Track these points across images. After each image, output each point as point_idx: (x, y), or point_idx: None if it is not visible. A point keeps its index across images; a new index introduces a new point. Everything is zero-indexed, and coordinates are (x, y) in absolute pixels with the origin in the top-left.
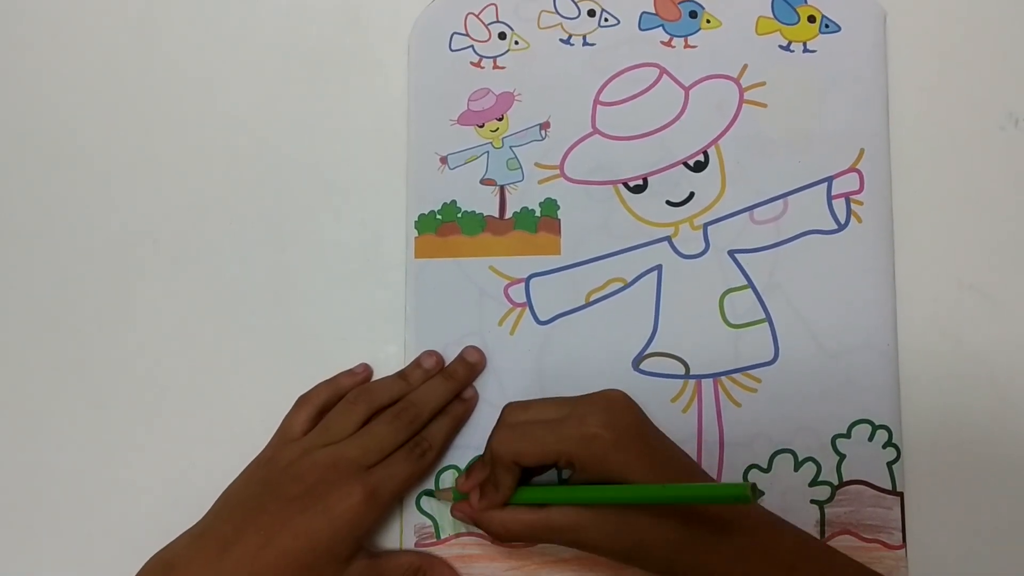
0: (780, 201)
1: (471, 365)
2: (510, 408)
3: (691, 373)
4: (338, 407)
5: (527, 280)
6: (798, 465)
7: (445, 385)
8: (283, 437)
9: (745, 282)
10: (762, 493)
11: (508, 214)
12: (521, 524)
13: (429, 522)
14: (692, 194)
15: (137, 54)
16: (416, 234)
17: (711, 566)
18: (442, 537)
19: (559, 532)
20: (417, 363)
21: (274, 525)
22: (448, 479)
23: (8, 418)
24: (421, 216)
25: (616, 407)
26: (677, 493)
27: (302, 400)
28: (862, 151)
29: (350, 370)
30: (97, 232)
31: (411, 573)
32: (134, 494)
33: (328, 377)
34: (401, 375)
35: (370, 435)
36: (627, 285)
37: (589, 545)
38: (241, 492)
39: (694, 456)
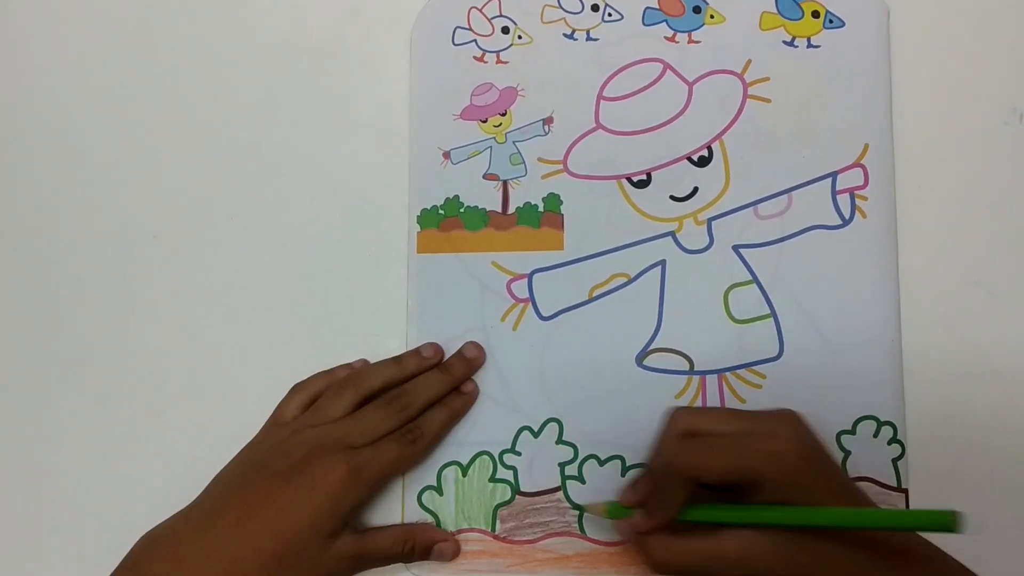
0: (784, 196)
1: (469, 361)
2: (678, 415)
3: (695, 369)
4: (328, 391)
5: (530, 275)
6: None
7: (440, 378)
8: (274, 421)
9: (749, 277)
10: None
11: (511, 209)
12: (690, 552)
13: (431, 518)
14: (696, 189)
15: (138, 51)
16: (418, 229)
17: None
18: None
19: (732, 562)
20: (416, 351)
21: (258, 498)
22: (449, 476)
23: (9, 412)
24: (424, 211)
25: (802, 425)
26: (875, 518)
27: (296, 388)
28: (866, 146)
29: (347, 364)
30: (99, 227)
31: (400, 544)
32: (135, 487)
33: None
34: (396, 359)
35: (359, 418)
36: (630, 280)
37: (763, 574)
38: (230, 472)
39: None
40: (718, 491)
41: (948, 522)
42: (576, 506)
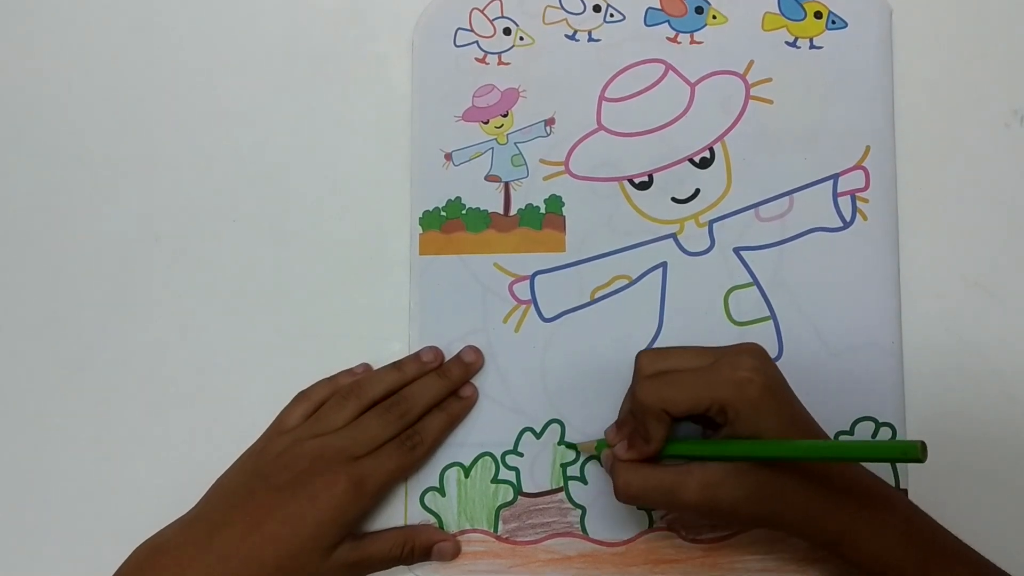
0: (786, 198)
1: (467, 365)
2: (647, 357)
3: None
4: (331, 401)
5: (532, 277)
6: None
7: (438, 382)
8: (276, 429)
9: (750, 279)
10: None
11: (513, 211)
12: (657, 481)
13: (433, 519)
14: (697, 191)
15: (141, 52)
16: (420, 231)
17: (845, 533)
18: None
19: (695, 490)
20: (416, 356)
21: (261, 511)
22: (451, 477)
23: (12, 414)
24: (425, 213)
25: (762, 355)
26: (843, 449)
27: (300, 396)
28: (868, 148)
29: (350, 370)
30: (101, 229)
31: (399, 547)
32: (137, 490)
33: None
34: (396, 366)
35: (360, 427)
36: (632, 282)
37: (724, 502)
38: (232, 481)
39: None
40: (700, 425)
41: (911, 451)
42: (570, 445)
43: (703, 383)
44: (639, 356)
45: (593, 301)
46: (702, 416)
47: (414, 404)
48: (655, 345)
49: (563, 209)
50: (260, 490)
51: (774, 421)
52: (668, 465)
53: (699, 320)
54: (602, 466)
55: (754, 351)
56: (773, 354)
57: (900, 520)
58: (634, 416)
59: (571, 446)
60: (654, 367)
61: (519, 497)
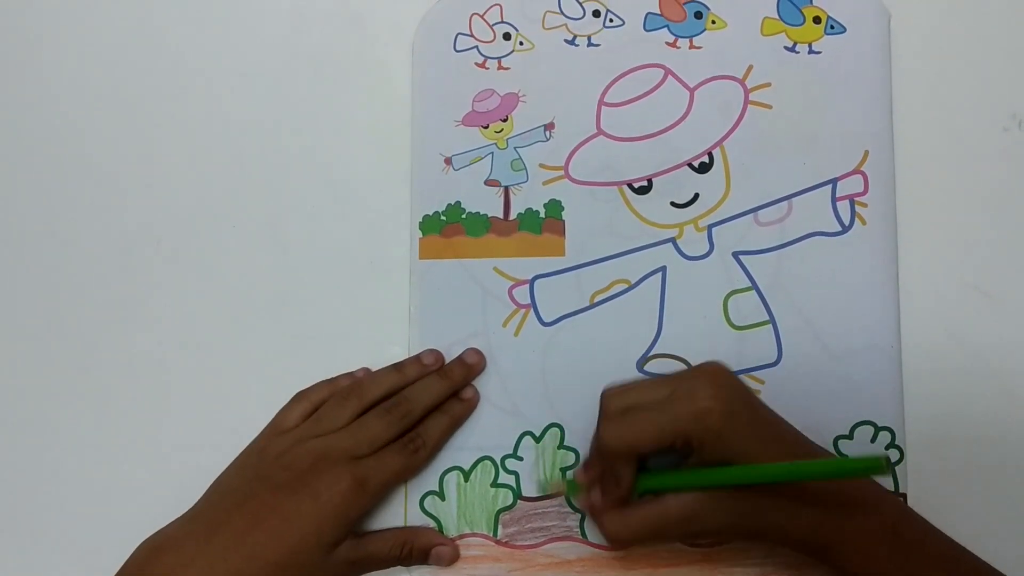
0: (785, 203)
1: (469, 366)
2: (609, 396)
3: None
4: (331, 401)
5: (531, 281)
6: None
7: (440, 383)
8: (275, 428)
9: (749, 284)
10: (894, 465)
11: (512, 215)
12: (639, 521)
13: (432, 522)
14: (697, 195)
15: (142, 56)
16: (420, 235)
17: (831, 545)
18: None
19: (678, 523)
20: (416, 358)
21: (263, 509)
22: (451, 481)
23: (13, 415)
24: (425, 217)
25: (720, 379)
26: (809, 470)
27: (299, 396)
28: (866, 153)
29: (350, 373)
30: (102, 232)
31: (399, 548)
32: (136, 493)
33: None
34: (397, 367)
35: (361, 427)
36: (631, 286)
37: (709, 530)
38: (231, 480)
39: None
40: (670, 455)
41: (877, 466)
42: (542, 486)
43: (664, 419)
44: (603, 395)
45: (592, 305)
46: (669, 447)
47: (415, 405)
48: (654, 350)
49: (563, 213)
50: (262, 488)
51: (741, 445)
52: (643, 503)
53: (698, 324)
54: (578, 506)
55: (710, 376)
56: (772, 358)
57: (888, 528)
58: (601, 458)
59: (542, 489)
60: (617, 404)
61: (519, 501)
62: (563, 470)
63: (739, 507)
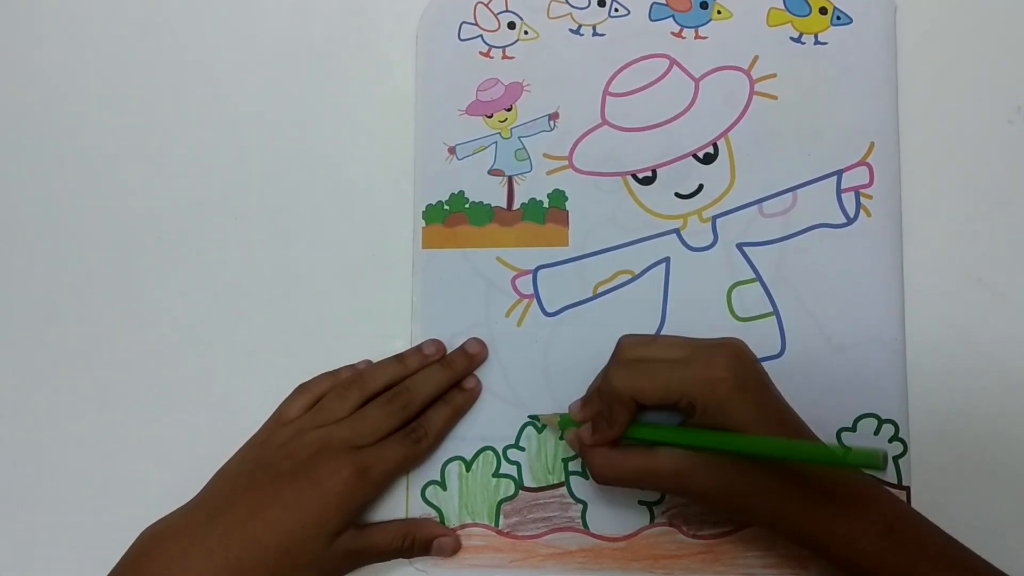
0: (789, 194)
1: (471, 356)
2: (628, 342)
3: None
4: (332, 392)
5: (534, 271)
6: None
7: (441, 373)
8: (278, 420)
9: (753, 275)
10: (897, 458)
11: (516, 205)
12: (628, 466)
13: (434, 513)
14: (701, 186)
15: (144, 50)
16: (424, 224)
17: (820, 535)
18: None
19: (666, 477)
20: (418, 348)
21: (265, 498)
22: (453, 471)
23: (14, 412)
24: (429, 206)
25: (740, 354)
26: (802, 450)
27: (301, 388)
28: (872, 145)
29: (352, 365)
30: (103, 227)
31: (400, 540)
32: (139, 486)
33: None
34: (398, 358)
35: (363, 417)
36: (635, 277)
37: (696, 491)
38: (234, 469)
39: None
40: (664, 411)
41: (872, 461)
42: (532, 417)
43: (676, 377)
44: (621, 339)
45: (596, 296)
46: (672, 404)
47: (417, 395)
48: None
49: (566, 204)
50: (264, 477)
51: (743, 418)
52: (635, 449)
53: (702, 316)
54: (567, 443)
55: (732, 349)
56: (775, 350)
57: (882, 523)
58: (601, 397)
59: (534, 417)
60: (633, 353)
61: (520, 492)
62: (565, 460)
63: (729, 476)
